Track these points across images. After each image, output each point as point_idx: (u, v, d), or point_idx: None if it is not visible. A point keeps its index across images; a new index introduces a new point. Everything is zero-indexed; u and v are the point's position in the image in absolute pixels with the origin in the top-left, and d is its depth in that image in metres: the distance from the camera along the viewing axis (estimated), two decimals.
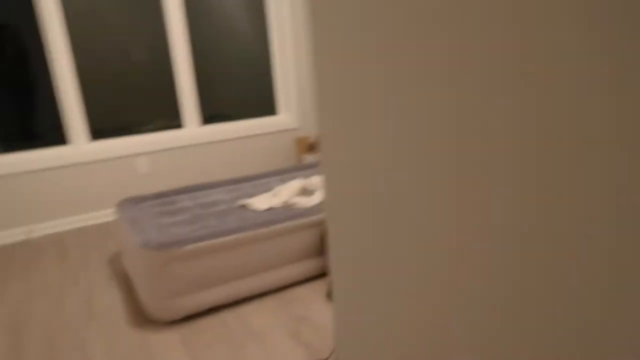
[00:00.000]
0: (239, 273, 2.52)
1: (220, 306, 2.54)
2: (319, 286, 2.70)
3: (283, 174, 3.44)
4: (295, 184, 3.06)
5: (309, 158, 4.22)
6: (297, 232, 2.65)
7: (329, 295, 2.57)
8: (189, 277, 2.38)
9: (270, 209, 2.77)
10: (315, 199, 2.84)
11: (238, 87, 4.31)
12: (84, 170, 3.62)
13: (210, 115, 4.18)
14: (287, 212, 2.70)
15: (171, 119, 4.00)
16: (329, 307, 2.49)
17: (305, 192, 3.03)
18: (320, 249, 2.76)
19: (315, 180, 3.11)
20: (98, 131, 3.71)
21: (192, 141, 4.00)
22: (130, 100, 3.85)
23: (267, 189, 3.12)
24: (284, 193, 2.89)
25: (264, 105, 4.45)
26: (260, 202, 2.85)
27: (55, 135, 3.61)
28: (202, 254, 2.38)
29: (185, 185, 4.08)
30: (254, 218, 2.64)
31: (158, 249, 2.28)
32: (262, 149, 4.36)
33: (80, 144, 3.64)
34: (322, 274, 2.82)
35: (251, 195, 3.01)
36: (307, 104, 4.47)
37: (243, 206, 2.83)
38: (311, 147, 4.24)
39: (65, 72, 3.49)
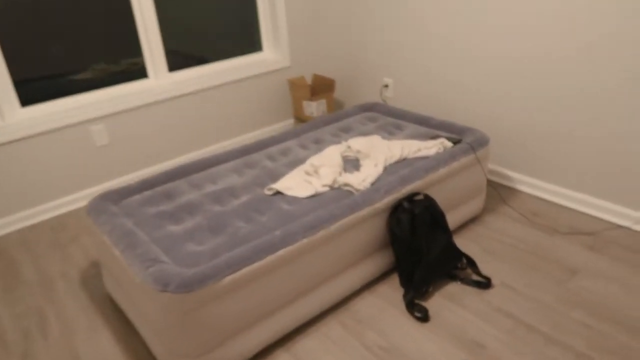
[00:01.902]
0: (291, 295, 1.78)
1: (270, 345, 1.81)
2: (386, 291, 2.02)
3: (300, 134, 2.61)
4: (334, 154, 2.26)
5: (312, 106, 3.37)
6: (358, 226, 1.91)
7: (412, 307, 1.90)
8: (227, 318, 1.61)
9: (314, 196, 1.99)
10: (370, 173, 2.08)
11: (207, 18, 3.27)
12: (17, 149, 2.60)
13: (177, 59, 3.18)
14: (342, 200, 1.94)
15: (117, 63, 2.96)
16: (417, 325, 1.83)
17: (347, 162, 2.25)
18: (384, 241, 2.05)
19: (357, 144, 2.32)
20: (19, 84, 2.63)
21: (160, 95, 3.02)
22: (58, 36, 2.76)
23: (292, 161, 2.30)
24: (327, 171, 2.10)
25: (243, 40, 3.46)
26: (297, 185, 2.05)
27: None
28: (244, 282, 1.60)
29: (173, 163, 3.16)
30: (299, 214, 1.86)
31: (183, 289, 1.47)
32: (249, 98, 3.44)
33: (8, 113, 2.58)
34: (384, 274, 2.14)
35: (274, 173, 2.20)
36: (301, 36, 3.54)
37: (275, 193, 2.03)
38: (313, 92, 3.38)
39: None
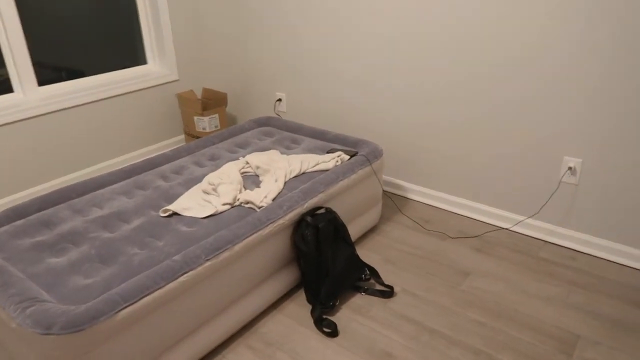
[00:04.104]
0: (196, 322, 1.66)
1: None
2: (293, 309, 1.98)
3: (194, 151, 2.48)
4: (233, 170, 2.18)
5: (204, 121, 3.24)
6: (262, 244, 1.85)
7: (320, 322, 1.88)
8: (124, 358, 1.45)
9: (214, 215, 1.89)
10: (271, 189, 2.03)
11: (82, 27, 3.01)
12: None
13: (47, 71, 2.87)
14: (244, 218, 1.87)
15: None
16: (327, 341, 1.82)
17: (246, 178, 2.18)
18: (288, 257, 2.01)
19: (256, 160, 2.26)
20: None
21: (29, 112, 2.70)
22: None
23: (187, 179, 2.18)
24: (227, 189, 2.01)
25: (125, 51, 3.24)
26: (196, 205, 1.94)
27: None
28: (143, 315, 1.46)
29: (49, 187, 2.81)
30: (200, 235, 1.75)
31: (71, 329, 1.30)
32: (135, 114, 3.21)
33: None
34: (290, 291, 2.09)
35: (169, 194, 2.06)
36: (188, 48, 3.40)
37: (170, 215, 1.89)
38: (205, 106, 3.25)
39: None
